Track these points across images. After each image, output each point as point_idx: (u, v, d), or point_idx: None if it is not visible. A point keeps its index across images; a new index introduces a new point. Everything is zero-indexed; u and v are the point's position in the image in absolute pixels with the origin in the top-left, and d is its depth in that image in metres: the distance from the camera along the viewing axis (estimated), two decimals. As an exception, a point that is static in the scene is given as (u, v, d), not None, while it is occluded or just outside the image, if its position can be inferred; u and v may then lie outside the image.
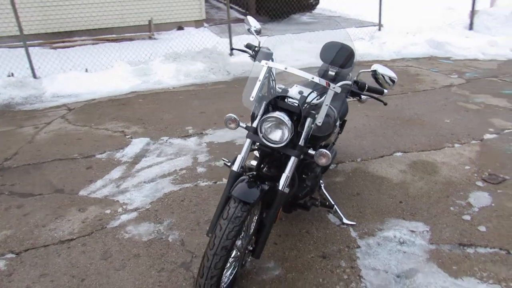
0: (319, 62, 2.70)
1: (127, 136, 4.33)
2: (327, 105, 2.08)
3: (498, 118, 4.51)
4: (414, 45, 7.96)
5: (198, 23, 9.16)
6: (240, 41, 7.65)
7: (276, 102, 2.13)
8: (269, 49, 2.42)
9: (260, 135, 2.06)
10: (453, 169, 3.48)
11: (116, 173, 3.57)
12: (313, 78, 2.09)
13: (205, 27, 9.35)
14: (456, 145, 3.92)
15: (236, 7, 10.83)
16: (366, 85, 2.20)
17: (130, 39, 8.26)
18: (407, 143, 3.97)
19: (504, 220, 2.80)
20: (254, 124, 2.16)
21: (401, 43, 8.02)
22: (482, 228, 2.72)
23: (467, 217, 2.84)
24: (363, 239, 2.65)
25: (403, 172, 3.45)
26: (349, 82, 2.18)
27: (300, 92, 2.29)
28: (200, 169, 3.59)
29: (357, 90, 2.20)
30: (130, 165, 3.70)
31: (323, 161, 2.10)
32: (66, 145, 4.17)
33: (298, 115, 2.10)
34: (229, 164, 2.82)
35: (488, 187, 3.19)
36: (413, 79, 6.12)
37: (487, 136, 4.08)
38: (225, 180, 3.39)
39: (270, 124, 2.05)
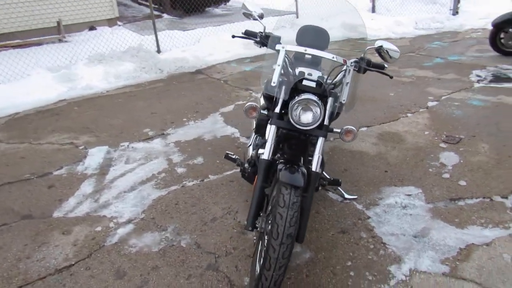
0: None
1: (80, 147, 3.93)
2: (348, 82, 2.12)
3: (431, 87, 5.01)
4: (331, 29, 8.40)
5: (111, 22, 8.58)
6: (166, 37, 7.39)
7: (297, 85, 2.12)
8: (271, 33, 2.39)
9: (292, 118, 2.03)
10: (416, 135, 3.80)
11: (87, 187, 3.23)
12: (333, 57, 2.12)
13: (119, 25, 8.80)
14: (408, 114, 4.28)
15: (147, 3, 10.34)
16: (371, 61, 2.30)
17: (38, 44, 7.44)
18: (367, 118, 4.22)
19: (476, 173, 3.14)
20: (278, 110, 2.12)
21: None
22: (463, 183, 3.03)
23: (447, 175, 3.13)
24: (370, 210, 2.78)
25: (375, 144, 3.67)
26: (357, 59, 2.24)
27: (309, 74, 2.30)
28: (180, 170, 3.42)
29: (365, 66, 2.27)
30: (99, 176, 3.38)
31: (350, 138, 2.15)
32: (10, 166, 3.66)
33: (319, 96, 2.11)
34: (234, 157, 2.74)
35: (451, 147, 3.55)
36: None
37: (430, 103, 4.53)
38: (212, 177, 3.28)
39: (300, 107, 2.02)
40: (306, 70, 2.31)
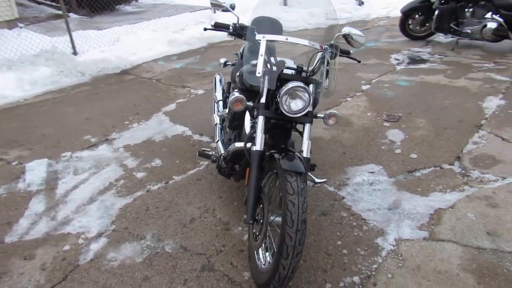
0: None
1: (13, 163, 3.51)
2: (328, 68, 2.19)
3: (360, 72, 5.36)
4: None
5: (10, 24, 7.70)
6: (81, 37, 6.86)
7: (280, 74, 2.13)
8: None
9: (283, 107, 2.03)
10: (360, 117, 4.05)
11: (37, 205, 2.90)
12: (313, 44, 2.16)
13: (20, 27, 7.93)
14: (348, 99, 4.53)
15: (49, 2, 9.48)
16: (339, 47, 2.39)
17: None
18: (312, 105, 4.37)
19: (422, 146, 3.45)
20: (264, 100, 2.11)
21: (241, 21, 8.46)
22: (414, 156, 3.31)
23: (398, 151, 3.40)
24: (342, 190, 2.91)
25: (327, 129, 3.83)
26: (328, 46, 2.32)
27: (281, 63, 2.31)
28: (139, 174, 3.23)
29: (337, 52, 2.36)
30: (48, 192, 3.06)
31: (333, 121, 2.22)
32: None
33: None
34: (210, 153, 2.67)
35: (394, 125, 3.85)
36: (273, 52, 6.63)
37: (364, 87, 4.84)
38: (176, 178, 3.16)
39: (288, 96, 2.03)
40: (283, 59, 2.33)
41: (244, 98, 2.12)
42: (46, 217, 2.76)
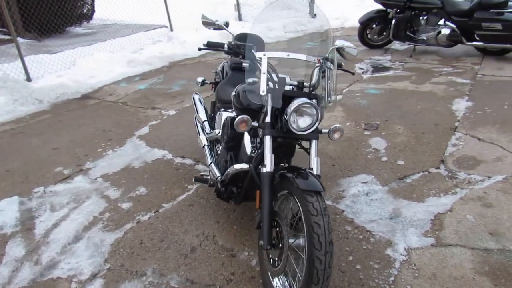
0: None
1: (-22, 205, 3.18)
2: (329, 82, 2.16)
3: (330, 82, 5.42)
4: (211, 39, 8.40)
5: (-49, 52, 7.13)
6: (33, 62, 6.48)
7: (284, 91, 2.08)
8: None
9: (291, 125, 1.98)
10: (340, 128, 4.07)
11: (15, 249, 2.64)
12: (314, 59, 2.13)
13: (-39, 55, 7.36)
14: (324, 110, 4.55)
15: (-9, 27, 8.90)
16: (336, 60, 2.38)
17: None
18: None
19: (406, 151, 3.52)
20: (268, 119, 2.04)
21: (198, 39, 8.34)
22: (401, 162, 3.36)
23: (385, 158, 3.44)
24: (339, 203, 2.88)
25: (310, 141, 3.80)
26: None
27: (282, 79, 2.26)
28: (125, 205, 3.04)
29: (332, 66, 2.34)
30: (25, 233, 2.79)
31: (338, 136, 2.19)
32: None
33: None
34: (208, 177, 2.55)
35: (374, 133, 3.90)
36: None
37: (337, 97, 4.89)
38: (166, 205, 3.00)
39: (295, 113, 1.98)
40: (283, 76, 2.27)
41: (250, 118, 2.03)
42: (28, 262, 2.51)
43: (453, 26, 5.97)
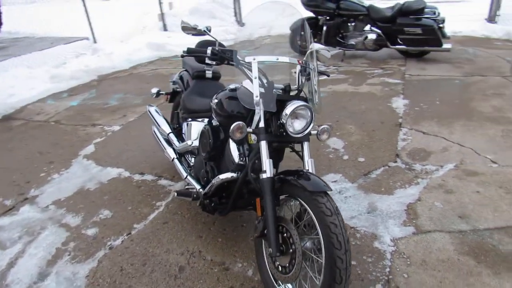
0: None
1: None
2: (315, 84, 2.20)
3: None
4: (139, 51, 8.16)
5: None
6: None
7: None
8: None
9: (287, 128, 1.97)
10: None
11: (-32, 297, 2.27)
12: (303, 62, 2.15)
13: None
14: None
15: None
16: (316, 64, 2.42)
17: None
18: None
19: (363, 149, 3.69)
20: (263, 124, 2.01)
21: (126, 51, 8.04)
22: (362, 159, 3.51)
23: (346, 157, 3.57)
24: (317, 204, 2.92)
25: (271, 147, 3.82)
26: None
27: (271, 83, 2.24)
28: (90, 231, 2.78)
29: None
30: (-25, 277, 2.42)
31: (326, 136, 2.22)
32: None
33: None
34: (194, 189, 2.44)
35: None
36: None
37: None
38: (138, 226, 2.81)
39: (291, 116, 1.98)
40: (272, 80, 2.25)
41: (245, 124, 1.98)
42: (-11, 309, 2.17)
43: (379, 31, 6.44)
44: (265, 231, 1.95)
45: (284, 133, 2.05)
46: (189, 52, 2.20)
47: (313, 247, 1.90)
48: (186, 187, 2.59)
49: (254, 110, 2.10)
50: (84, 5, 8.21)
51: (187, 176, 2.68)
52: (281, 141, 2.07)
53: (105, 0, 17.22)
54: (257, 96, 1.98)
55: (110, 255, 2.52)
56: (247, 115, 2.17)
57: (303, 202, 1.86)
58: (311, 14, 6.99)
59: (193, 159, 2.87)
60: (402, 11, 6.17)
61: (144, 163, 3.67)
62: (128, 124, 4.64)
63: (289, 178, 1.92)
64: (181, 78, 3.29)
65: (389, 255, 2.35)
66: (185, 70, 3.31)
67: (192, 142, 2.68)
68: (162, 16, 10.38)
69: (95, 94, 5.92)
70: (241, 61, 2.09)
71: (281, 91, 2.14)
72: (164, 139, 3.14)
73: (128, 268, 2.40)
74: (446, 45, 6.18)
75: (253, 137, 2.06)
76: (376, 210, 2.79)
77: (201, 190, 2.47)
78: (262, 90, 2.04)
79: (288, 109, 1.94)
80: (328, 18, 6.65)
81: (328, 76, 2.59)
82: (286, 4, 2.56)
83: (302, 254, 1.86)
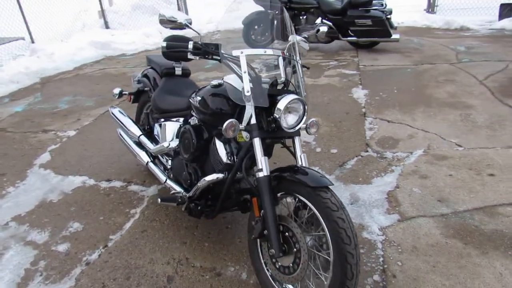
0: None
1: None
2: (302, 77, 2.15)
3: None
4: (83, 50, 7.70)
5: None
6: None
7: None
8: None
9: (283, 123, 1.90)
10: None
11: None
12: (289, 55, 2.09)
13: None
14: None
15: None
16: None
17: None
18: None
19: (334, 140, 3.72)
20: (254, 120, 1.92)
21: (68, 51, 7.55)
22: (334, 151, 3.53)
23: (319, 149, 3.58)
24: (299, 199, 2.88)
25: (242, 143, 3.74)
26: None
27: (259, 77, 2.15)
28: (62, 247, 2.55)
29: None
30: None
31: (314, 130, 2.18)
32: None
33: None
34: (181, 194, 2.30)
35: (298, 127, 4.02)
36: (123, 78, 6.12)
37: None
38: (114, 237, 2.62)
39: (284, 111, 1.91)
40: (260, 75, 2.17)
41: (238, 122, 1.89)
42: None
43: (330, 23, 6.53)
44: (265, 232, 1.88)
45: (276, 129, 1.97)
46: (169, 47, 2.05)
47: (315, 244, 1.85)
48: (172, 193, 2.43)
49: (241, 106, 2.01)
50: (18, 2, 7.57)
51: (166, 179, 2.53)
52: (273, 137, 2.00)
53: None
54: (248, 92, 1.88)
55: (88, 271, 2.31)
56: (234, 112, 2.07)
57: (303, 199, 1.80)
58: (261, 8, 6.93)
59: (169, 161, 2.71)
60: (351, 4, 6.30)
61: (110, 168, 3.44)
62: (84, 129, 4.33)
63: (286, 175, 1.86)
64: (146, 76, 3.11)
65: (380, 245, 2.36)
66: (151, 68, 3.13)
67: (169, 144, 2.53)
68: (103, 13, 9.87)
69: (41, 98, 5.49)
70: (226, 55, 1.98)
71: (267, 85, 2.06)
72: (135, 142, 2.95)
73: (111, 284, 2.22)
74: (394, 36, 6.40)
75: (244, 134, 1.97)
76: (358, 201, 2.80)
77: (185, 194, 2.33)
78: (251, 85, 1.94)
79: (282, 104, 1.87)
80: (277, 12, 6.63)
81: (308, 68, 2.54)
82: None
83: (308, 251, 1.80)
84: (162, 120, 2.75)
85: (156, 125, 2.83)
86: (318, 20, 6.69)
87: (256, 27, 6.99)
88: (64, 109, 4.98)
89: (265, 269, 2.04)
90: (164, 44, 2.05)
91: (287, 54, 2.08)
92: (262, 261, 2.06)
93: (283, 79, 2.13)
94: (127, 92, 3.30)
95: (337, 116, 4.21)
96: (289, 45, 2.25)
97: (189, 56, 2.03)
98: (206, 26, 9.99)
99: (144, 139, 2.84)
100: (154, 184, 3.15)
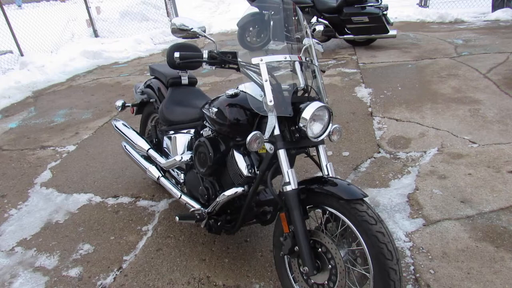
0: None
1: None
2: (322, 82, 2.05)
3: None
4: (74, 61, 7.53)
5: None
6: None
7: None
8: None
9: (311, 133, 1.80)
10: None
11: None
12: (306, 58, 1.98)
13: None
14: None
15: None
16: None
17: None
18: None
19: (344, 143, 3.63)
20: (278, 131, 1.82)
21: (59, 62, 7.38)
22: (346, 153, 3.45)
23: (330, 152, 3.48)
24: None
25: (250, 151, 3.63)
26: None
27: (279, 85, 2.05)
28: (73, 272, 2.42)
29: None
30: None
31: (337, 137, 2.08)
32: None
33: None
34: (199, 211, 2.18)
35: (305, 131, 3.93)
36: (119, 87, 5.98)
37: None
38: (128, 258, 2.50)
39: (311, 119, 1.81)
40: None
41: (262, 134, 1.78)
42: None
43: (326, 22, 6.45)
44: (295, 248, 1.78)
45: (300, 138, 1.87)
46: (183, 58, 1.94)
47: (349, 259, 1.75)
48: (191, 210, 2.30)
49: (260, 116, 1.92)
50: (5, 14, 7.38)
51: (181, 195, 2.41)
52: (298, 147, 1.89)
53: (19, 8, 15.82)
54: (271, 101, 1.78)
55: (104, 298, 2.19)
56: (253, 122, 1.97)
57: (336, 212, 1.70)
58: (255, 9, 6.83)
59: (182, 175, 2.59)
60: (346, 1, 6.23)
61: (115, 184, 3.31)
62: (84, 143, 4.19)
63: (314, 187, 1.76)
64: (149, 87, 2.99)
65: (409, 252, 2.27)
66: (155, 78, 3.01)
67: (182, 157, 2.42)
68: (91, 21, 9.70)
69: (36, 113, 5.32)
70: (245, 64, 1.88)
71: (286, 92, 1.96)
72: (143, 156, 2.83)
73: (131, 310, 2.09)
74: (392, 32, 6.35)
75: (268, 146, 1.86)
76: (379, 205, 2.71)
77: (204, 210, 2.22)
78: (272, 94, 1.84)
79: (307, 112, 1.76)
80: (272, 12, 6.54)
81: (324, 71, 2.44)
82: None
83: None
84: (172, 132, 2.64)
85: (165, 138, 2.71)
86: (314, 19, 6.59)
87: (251, 28, 6.90)
88: (61, 123, 4.83)
89: (295, 286, 1.94)
90: (177, 55, 1.93)
91: (308, 59, 1.97)
92: (291, 278, 1.95)
93: (302, 85, 2.02)
94: (130, 104, 3.17)
95: (343, 117, 4.12)
96: (304, 49, 2.14)
97: (205, 66, 1.92)
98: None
99: (153, 153, 2.72)
100: (164, 198, 3.03)
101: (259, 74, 1.86)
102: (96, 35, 9.84)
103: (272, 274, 2.21)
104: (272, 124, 1.81)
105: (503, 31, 6.92)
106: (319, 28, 6.49)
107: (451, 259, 2.18)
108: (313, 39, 2.24)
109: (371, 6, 6.19)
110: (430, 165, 3.11)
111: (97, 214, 2.95)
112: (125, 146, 3.05)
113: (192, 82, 2.85)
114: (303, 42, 2.22)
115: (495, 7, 8.04)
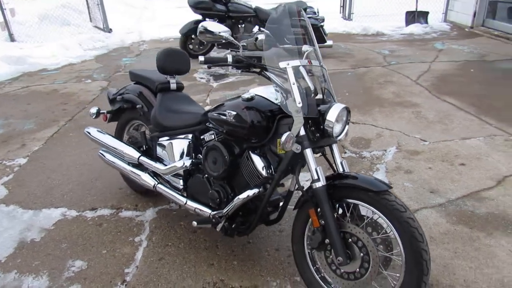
0: None
1: None
2: (330, 83, 2.21)
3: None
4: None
5: None
6: None
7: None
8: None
9: (334, 133, 1.94)
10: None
11: None
12: (321, 64, 2.12)
13: None
14: (206, 123, 4.42)
15: None
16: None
17: None
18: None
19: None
20: (303, 131, 1.94)
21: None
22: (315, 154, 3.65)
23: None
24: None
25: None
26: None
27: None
28: (71, 290, 2.26)
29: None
30: None
31: (346, 136, 2.25)
32: None
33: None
34: (211, 214, 2.20)
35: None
36: (57, 95, 5.59)
37: (209, 107, 4.82)
38: (129, 270, 2.41)
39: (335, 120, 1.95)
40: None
41: (294, 134, 1.89)
42: None
43: (267, 32, 6.68)
44: (326, 241, 1.90)
45: (319, 138, 2.01)
46: (207, 61, 1.96)
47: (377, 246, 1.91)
48: (199, 213, 2.27)
49: (278, 118, 2.03)
50: None
51: (187, 201, 2.39)
52: (319, 146, 2.02)
53: None
54: (299, 103, 1.89)
55: (117, 312, 2.09)
56: (272, 124, 2.06)
57: (366, 204, 1.86)
58: (199, 17, 6.87)
59: (180, 181, 2.56)
60: (287, 12, 6.53)
61: (89, 196, 3.12)
62: (36, 155, 3.86)
63: (337, 183, 1.91)
64: (132, 92, 2.90)
65: (401, 239, 2.50)
66: (137, 83, 2.93)
67: (184, 163, 2.40)
68: (6, 24, 8.85)
69: (-37, 124, 4.74)
70: (271, 68, 1.97)
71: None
72: (130, 164, 2.73)
73: (151, 321, 2.03)
74: (328, 42, 6.80)
75: (295, 146, 1.95)
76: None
77: (218, 213, 2.24)
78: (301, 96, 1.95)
79: (332, 114, 1.90)
80: (217, 20, 6.63)
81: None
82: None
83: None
84: (166, 138, 2.60)
85: (159, 144, 2.65)
86: (255, 28, 6.78)
87: (194, 36, 6.90)
88: (5, 132, 4.38)
89: (317, 278, 2.05)
90: (202, 59, 1.96)
91: (322, 64, 2.11)
92: (313, 270, 2.07)
93: (312, 88, 2.15)
94: (104, 111, 3.04)
95: (303, 121, 4.33)
96: (307, 54, 2.27)
97: (231, 69, 1.97)
98: (129, 36, 9.53)
99: (146, 160, 2.64)
100: (149, 207, 2.95)
101: (281, 77, 1.96)
102: (12, 39, 8.99)
103: (285, 271, 2.29)
104: (300, 125, 1.92)
105: (419, 44, 7.80)
106: (261, 37, 6.70)
107: (438, 242, 2.47)
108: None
109: (310, 17, 6.57)
110: (395, 162, 3.44)
111: (77, 228, 2.77)
112: (103, 155, 2.91)
113: (180, 87, 2.84)
114: (304, 48, 2.34)
115: (408, 22, 9.02)
